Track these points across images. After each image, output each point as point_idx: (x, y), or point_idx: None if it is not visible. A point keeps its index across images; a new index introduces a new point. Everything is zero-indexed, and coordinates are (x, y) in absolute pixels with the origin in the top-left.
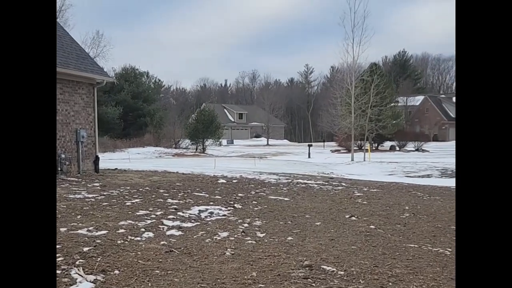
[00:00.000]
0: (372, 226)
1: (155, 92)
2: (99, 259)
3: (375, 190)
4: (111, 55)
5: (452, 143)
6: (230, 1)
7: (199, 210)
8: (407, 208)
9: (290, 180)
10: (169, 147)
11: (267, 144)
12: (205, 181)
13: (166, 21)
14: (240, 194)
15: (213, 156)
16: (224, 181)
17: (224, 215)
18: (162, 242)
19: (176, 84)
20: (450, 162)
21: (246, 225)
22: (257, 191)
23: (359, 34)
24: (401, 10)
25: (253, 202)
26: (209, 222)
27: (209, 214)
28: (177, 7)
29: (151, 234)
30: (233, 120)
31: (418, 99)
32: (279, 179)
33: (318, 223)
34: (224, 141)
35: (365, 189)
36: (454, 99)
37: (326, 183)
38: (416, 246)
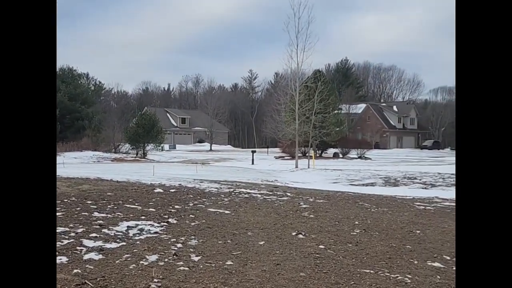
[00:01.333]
0: (321, 246)
1: (94, 95)
2: None
3: (321, 201)
4: None
5: (393, 151)
6: (170, 3)
7: (128, 227)
8: (357, 223)
9: (232, 190)
10: (109, 151)
11: (210, 150)
12: (140, 190)
13: (105, 22)
14: (176, 206)
15: (154, 162)
16: (161, 190)
17: (156, 232)
18: (75, 271)
19: (117, 87)
20: (392, 170)
21: (179, 245)
22: (195, 202)
23: (303, 40)
24: (343, 19)
25: (190, 216)
26: (137, 242)
27: (138, 232)
28: (115, 7)
29: (64, 259)
30: (176, 124)
31: (360, 107)
32: (221, 188)
33: (261, 243)
34: (166, 146)
35: (311, 199)
36: (394, 107)
37: (271, 193)
38: (372, 272)
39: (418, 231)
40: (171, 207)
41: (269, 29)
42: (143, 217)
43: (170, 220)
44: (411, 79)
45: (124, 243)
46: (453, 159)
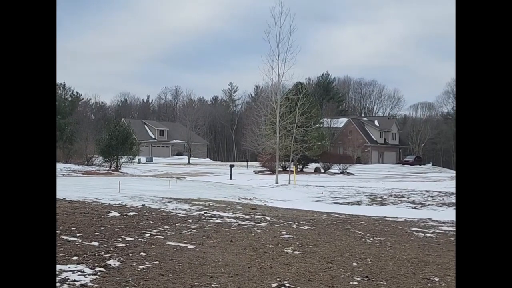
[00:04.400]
0: None
1: (71, 105)
2: None
3: (306, 227)
4: None
5: (375, 166)
6: (148, 13)
7: None
8: (355, 264)
9: (203, 212)
10: (81, 164)
11: (188, 163)
12: (91, 213)
13: (83, 32)
14: (128, 238)
15: (127, 175)
16: (117, 213)
17: (83, 285)
18: None
19: (95, 98)
20: (376, 187)
21: None
22: (154, 231)
23: (284, 51)
24: (322, 32)
25: (141, 253)
26: None
27: (58, 284)
28: (92, 17)
29: None
30: (154, 137)
31: (341, 121)
32: (190, 209)
33: None
34: (143, 159)
35: (294, 226)
36: (376, 122)
37: (247, 217)
38: None
39: (436, 279)
40: (120, 239)
41: (250, 42)
42: (75, 258)
43: (110, 262)
44: (391, 95)
45: None
46: (436, 175)
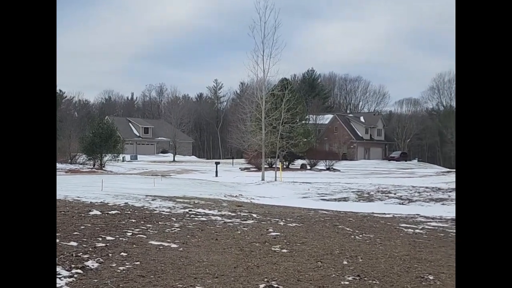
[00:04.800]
0: None
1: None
2: None
3: (293, 224)
4: None
5: (360, 162)
6: (131, 9)
7: None
8: (345, 263)
9: (187, 210)
10: (64, 162)
11: (174, 161)
12: (71, 212)
13: (65, 29)
14: (108, 238)
15: (112, 173)
16: (98, 212)
17: None
18: None
19: (78, 96)
20: (363, 183)
21: None
22: (136, 230)
23: (269, 46)
24: (306, 28)
25: (122, 253)
26: None
27: None
28: (76, 15)
29: None
30: (138, 134)
31: (327, 118)
32: (175, 207)
33: None
34: (127, 157)
35: (281, 223)
36: (361, 118)
37: (233, 214)
38: None
39: (431, 277)
40: (100, 238)
41: (234, 38)
42: None
43: (89, 262)
44: (376, 91)
45: None
46: (422, 171)
